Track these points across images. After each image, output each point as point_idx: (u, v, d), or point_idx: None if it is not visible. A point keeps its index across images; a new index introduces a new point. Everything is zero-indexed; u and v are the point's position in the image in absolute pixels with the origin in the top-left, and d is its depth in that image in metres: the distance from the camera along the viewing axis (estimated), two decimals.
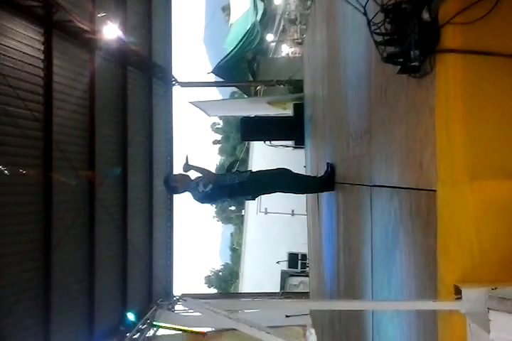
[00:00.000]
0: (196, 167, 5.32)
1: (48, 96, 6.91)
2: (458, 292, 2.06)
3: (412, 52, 2.09)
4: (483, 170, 2.08)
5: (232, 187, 5.27)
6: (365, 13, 2.39)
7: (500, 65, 2.03)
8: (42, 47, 6.87)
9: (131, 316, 8.86)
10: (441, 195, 2.13)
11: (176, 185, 5.38)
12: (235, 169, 6.01)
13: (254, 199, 5.72)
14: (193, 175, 5.41)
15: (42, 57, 6.86)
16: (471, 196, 2.08)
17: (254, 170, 5.95)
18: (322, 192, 6.05)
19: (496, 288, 1.96)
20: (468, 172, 2.07)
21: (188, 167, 5.25)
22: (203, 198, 5.37)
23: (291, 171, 5.49)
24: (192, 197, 5.43)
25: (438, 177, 2.13)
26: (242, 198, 5.66)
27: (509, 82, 2.05)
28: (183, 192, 5.49)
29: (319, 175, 6.15)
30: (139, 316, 9.31)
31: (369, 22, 2.33)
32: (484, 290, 1.97)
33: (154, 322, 9.41)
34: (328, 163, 5.68)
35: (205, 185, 5.24)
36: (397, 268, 2.91)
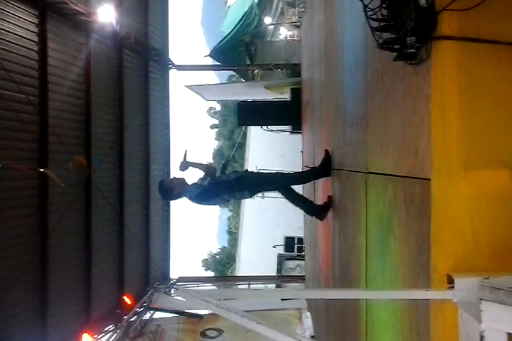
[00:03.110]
0: (195, 163, 5.21)
1: (42, 79, 6.83)
2: (450, 281, 2.06)
3: (408, 39, 2.06)
4: (478, 160, 2.06)
5: (229, 183, 5.19)
6: None
7: (496, 53, 2.00)
8: (36, 30, 6.76)
9: (127, 299, 8.91)
10: (435, 183, 2.11)
11: (172, 189, 5.24)
12: (232, 170, 5.93)
13: (251, 197, 5.50)
14: (188, 176, 5.31)
15: (36, 39, 6.76)
16: (465, 185, 2.07)
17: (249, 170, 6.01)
18: (317, 178, 6.01)
19: (488, 278, 1.97)
20: (462, 161, 2.06)
21: (185, 164, 5.14)
22: (201, 195, 5.23)
23: (287, 174, 5.66)
24: (188, 199, 5.30)
25: (432, 165, 2.11)
26: (239, 194, 5.41)
27: (505, 69, 2.03)
28: (178, 197, 5.36)
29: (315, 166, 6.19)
30: (136, 299, 9.37)
31: (365, 7, 2.29)
32: (476, 279, 1.98)
33: (151, 306, 9.48)
34: (325, 150, 5.63)
35: (203, 179, 5.17)
36: (390, 255, 2.92)
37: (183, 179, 5.28)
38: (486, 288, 1.91)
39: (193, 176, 5.34)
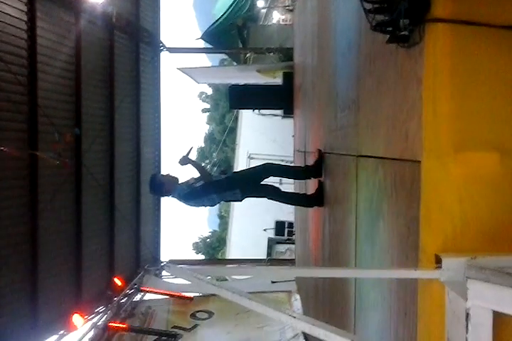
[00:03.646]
0: (195, 163, 5.11)
1: (32, 59, 6.74)
2: (438, 261, 2.10)
3: (401, 21, 2.06)
4: (468, 142, 2.09)
5: (218, 183, 5.12)
6: None
7: (490, 36, 2.01)
8: (25, 8, 6.64)
9: (118, 281, 8.96)
10: (425, 165, 2.14)
11: (162, 185, 5.15)
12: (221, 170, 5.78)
13: (242, 198, 5.32)
14: (182, 175, 5.23)
15: (25, 18, 6.65)
16: (455, 167, 2.10)
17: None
18: (309, 178, 5.91)
19: (475, 258, 2.01)
20: (453, 143, 2.09)
21: (186, 160, 5.02)
22: (189, 195, 5.12)
23: (274, 164, 5.59)
24: (176, 198, 5.21)
25: (423, 148, 2.14)
26: (229, 195, 5.26)
27: (498, 53, 2.04)
28: (167, 194, 5.27)
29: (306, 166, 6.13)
30: (127, 281, 9.42)
31: None
32: (464, 259, 2.02)
33: (141, 287, 9.54)
34: (318, 150, 5.53)
35: (197, 181, 5.08)
36: (380, 237, 2.96)
37: (177, 178, 5.20)
38: (473, 268, 1.95)
39: (186, 175, 5.27)
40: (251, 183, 5.31)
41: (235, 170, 5.22)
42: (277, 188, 5.52)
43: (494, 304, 1.86)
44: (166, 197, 5.44)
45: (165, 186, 5.17)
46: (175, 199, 5.27)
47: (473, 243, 2.14)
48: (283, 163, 6.61)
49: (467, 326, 1.88)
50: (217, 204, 5.80)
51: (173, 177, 5.21)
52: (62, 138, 7.10)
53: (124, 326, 7.60)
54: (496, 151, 2.07)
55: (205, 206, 5.43)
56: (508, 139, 2.07)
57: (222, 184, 5.13)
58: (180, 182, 5.23)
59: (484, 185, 2.11)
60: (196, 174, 5.17)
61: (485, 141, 2.08)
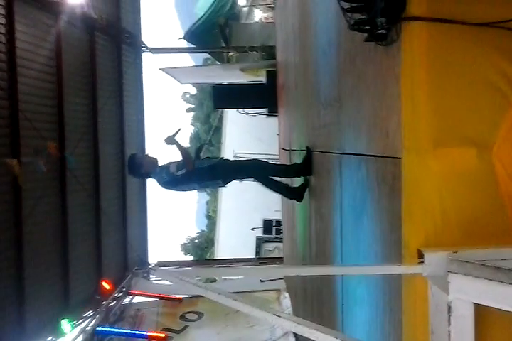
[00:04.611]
0: (180, 145, 4.89)
1: (11, 63, 6.66)
2: (421, 256, 2.14)
3: (378, 20, 2.08)
4: (447, 138, 2.12)
5: (201, 171, 4.93)
6: None
7: (465, 34, 2.04)
8: (3, 12, 6.56)
9: (106, 285, 8.91)
10: (405, 162, 2.17)
11: (141, 166, 5.00)
12: (206, 156, 5.53)
13: (224, 185, 5.24)
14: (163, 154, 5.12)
15: (3, 21, 6.55)
16: (434, 163, 2.13)
17: (225, 157, 5.81)
18: (298, 177, 5.75)
19: (456, 252, 2.04)
20: (432, 139, 2.12)
21: (172, 140, 4.83)
22: (169, 183, 4.98)
23: (264, 161, 5.45)
24: (156, 182, 5.06)
25: (403, 144, 2.17)
26: (211, 184, 5.23)
27: (473, 50, 2.07)
28: (145, 176, 5.15)
29: (295, 163, 6.03)
30: (115, 284, 9.37)
31: None
32: (445, 253, 2.05)
33: (130, 291, 9.51)
34: (310, 158, 5.35)
35: (178, 168, 4.90)
36: (364, 233, 2.99)
37: (156, 159, 5.03)
38: (454, 262, 1.98)
39: (167, 157, 5.10)
40: (234, 175, 5.22)
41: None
42: (260, 161, 5.41)
43: (475, 297, 1.89)
44: (142, 178, 5.26)
45: (144, 167, 5.03)
46: (153, 180, 5.11)
47: (454, 237, 2.17)
48: (270, 161, 6.42)
49: (449, 319, 1.91)
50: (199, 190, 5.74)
51: (153, 158, 5.06)
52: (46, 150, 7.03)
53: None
54: (474, 146, 2.10)
55: (186, 191, 5.30)
56: (485, 134, 2.11)
57: (204, 173, 4.95)
58: (160, 165, 5.06)
59: (463, 180, 2.14)
60: (178, 158, 4.97)
61: (463, 137, 2.11)
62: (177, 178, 4.90)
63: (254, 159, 5.51)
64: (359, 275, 3.06)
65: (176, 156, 5.01)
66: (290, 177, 6.06)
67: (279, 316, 1.76)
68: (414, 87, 2.09)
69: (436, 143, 2.11)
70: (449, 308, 1.90)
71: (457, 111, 2.11)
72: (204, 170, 4.96)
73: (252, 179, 5.41)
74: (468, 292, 1.89)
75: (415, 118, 2.11)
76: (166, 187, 5.10)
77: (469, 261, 1.93)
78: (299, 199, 5.58)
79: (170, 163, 5.03)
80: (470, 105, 2.10)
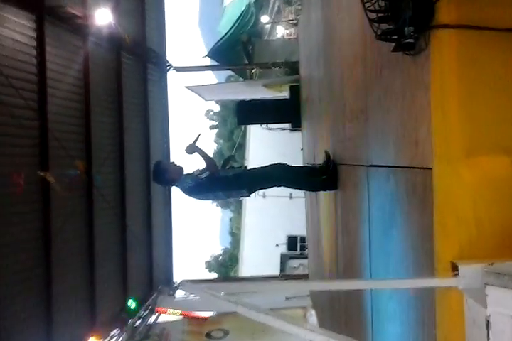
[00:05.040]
0: (202, 151, 4.86)
1: (41, 84, 6.83)
2: (455, 268, 2.07)
3: (406, 29, 2.07)
4: (479, 147, 2.08)
5: (226, 180, 4.91)
6: None
7: (495, 40, 2.01)
8: (34, 35, 6.76)
9: (132, 303, 8.91)
10: (437, 171, 2.13)
11: (166, 172, 4.96)
12: (229, 166, 5.46)
13: (249, 195, 5.18)
14: (189, 164, 5.05)
15: (34, 44, 6.76)
16: (467, 172, 2.08)
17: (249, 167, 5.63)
18: (324, 190, 5.60)
19: (492, 264, 1.97)
20: (463, 148, 2.07)
21: (193, 148, 4.81)
22: (193, 188, 4.92)
23: (286, 164, 5.28)
24: (180, 190, 5.03)
25: (434, 154, 2.13)
26: (236, 193, 5.14)
27: (504, 56, 2.04)
28: (169, 184, 5.12)
29: (317, 164, 5.90)
30: (141, 303, 9.37)
31: None
32: (481, 266, 1.99)
33: (155, 308, 9.50)
34: (330, 159, 5.30)
35: (202, 172, 4.87)
36: (394, 246, 2.93)
37: (182, 167, 4.99)
38: (491, 274, 1.92)
39: (192, 165, 5.07)
40: (259, 184, 5.16)
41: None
42: (284, 165, 5.26)
43: None
44: (167, 186, 5.22)
45: (169, 174, 4.97)
46: (179, 189, 5.06)
47: (489, 249, 2.11)
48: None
49: (488, 334, 1.84)
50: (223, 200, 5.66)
51: (179, 166, 5.02)
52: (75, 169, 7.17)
53: None
54: (506, 155, 2.05)
55: (209, 200, 5.25)
56: None
57: (229, 182, 4.91)
58: (185, 173, 5.02)
59: (497, 189, 2.08)
60: (202, 165, 4.95)
61: (495, 145, 2.07)
62: (201, 183, 4.85)
63: (275, 163, 5.34)
64: (389, 290, 2.99)
65: (201, 164, 4.99)
66: (315, 190, 5.93)
67: (313, 331, 1.72)
68: (444, 95, 2.06)
69: (468, 152, 2.06)
70: (488, 323, 1.83)
71: (489, 119, 2.07)
72: (229, 179, 4.94)
73: (277, 186, 5.26)
74: (507, 305, 1.82)
75: (446, 127, 2.07)
76: (191, 194, 5.04)
77: (506, 273, 1.87)
78: (335, 187, 5.22)
79: (195, 170, 5.01)
80: (501, 113, 2.06)
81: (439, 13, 2.02)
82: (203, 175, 4.86)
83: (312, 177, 5.47)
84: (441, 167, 2.10)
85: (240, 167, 5.49)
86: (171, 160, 5.33)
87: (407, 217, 2.62)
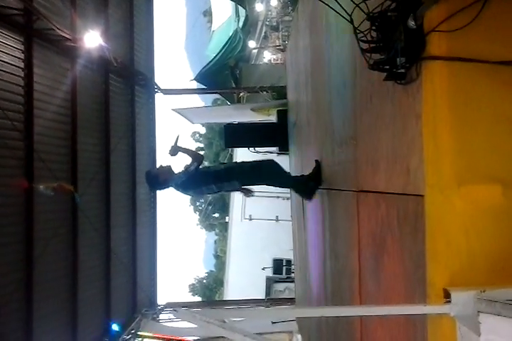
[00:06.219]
0: (184, 148, 5.04)
1: (28, 105, 6.81)
2: (447, 295, 2.08)
3: (398, 59, 2.12)
4: (471, 176, 2.11)
5: (217, 173, 5.11)
6: (351, 21, 2.42)
7: (486, 72, 2.06)
8: (22, 56, 6.77)
9: (115, 327, 8.74)
10: (429, 199, 2.15)
11: (158, 176, 5.09)
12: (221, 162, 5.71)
13: (240, 188, 5.36)
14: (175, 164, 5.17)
15: (22, 65, 6.76)
16: (459, 201, 2.11)
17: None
18: (308, 187, 5.66)
19: (484, 291, 1.99)
20: (455, 177, 2.11)
21: (176, 149, 4.97)
22: (187, 183, 5.05)
23: (277, 163, 5.42)
24: (175, 188, 5.15)
25: (426, 182, 2.15)
26: (228, 185, 5.21)
27: (495, 88, 2.09)
28: (165, 186, 5.20)
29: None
30: (124, 326, 9.18)
31: (355, 30, 2.36)
32: (473, 293, 2.00)
33: (139, 332, 9.31)
34: (316, 160, 5.57)
35: (190, 165, 5.00)
36: (385, 273, 2.93)
37: (170, 166, 5.13)
38: (483, 301, 1.93)
39: (181, 163, 5.16)
40: (249, 177, 5.27)
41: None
42: (274, 162, 5.41)
43: (507, 338, 1.83)
44: (164, 189, 5.30)
45: (160, 177, 5.11)
46: (173, 189, 5.17)
47: (481, 276, 2.13)
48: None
49: None
50: (217, 194, 5.73)
51: (166, 166, 5.15)
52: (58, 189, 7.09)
53: None
54: (498, 184, 2.09)
55: (203, 194, 5.37)
56: (509, 171, 2.09)
57: (220, 175, 5.10)
58: (174, 171, 5.15)
59: (489, 217, 2.11)
60: (188, 161, 5.08)
61: (487, 174, 2.10)
62: (193, 176, 4.98)
63: (268, 159, 5.51)
64: (380, 316, 2.98)
65: (187, 161, 5.12)
66: (301, 187, 5.97)
67: None
68: (436, 124, 2.10)
69: (461, 181, 2.10)
70: None
71: (481, 149, 2.11)
72: (221, 172, 5.15)
73: (267, 181, 5.39)
74: (500, 333, 1.83)
75: (438, 156, 2.11)
76: (185, 190, 5.20)
77: (499, 300, 1.88)
78: (319, 183, 5.41)
79: (184, 166, 5.13)
80: (493, 142, 2.10)
81: (430, 44, 2.08)
82: (192, 167, 4.98)
83: (299, 178, 5.76)
84: (434, 195, 2.13)
85: (230, 162, 5.58)
86: (157, 165, 5.44)
87: (399, 243, 2.63)
